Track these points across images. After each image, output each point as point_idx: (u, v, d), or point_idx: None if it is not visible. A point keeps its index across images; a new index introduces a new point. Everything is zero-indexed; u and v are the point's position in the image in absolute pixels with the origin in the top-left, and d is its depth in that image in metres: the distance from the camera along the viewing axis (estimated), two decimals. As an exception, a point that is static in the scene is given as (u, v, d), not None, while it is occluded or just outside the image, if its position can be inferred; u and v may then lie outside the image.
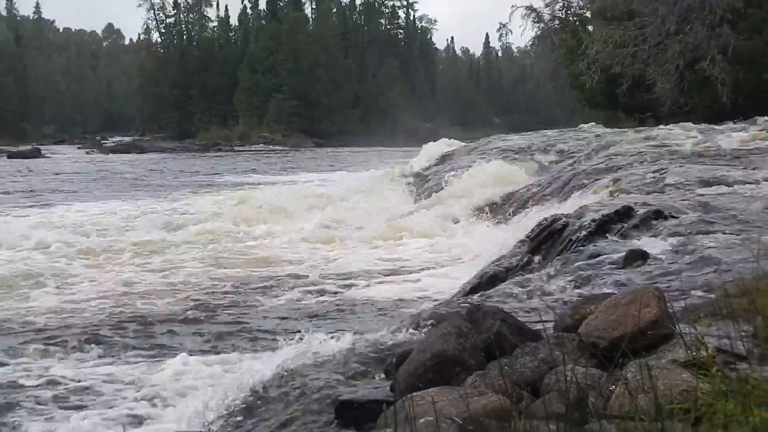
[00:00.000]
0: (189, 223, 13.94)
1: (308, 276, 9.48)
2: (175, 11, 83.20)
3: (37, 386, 5.34)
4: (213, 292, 8.60)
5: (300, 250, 11.45)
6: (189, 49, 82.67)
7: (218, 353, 6.06)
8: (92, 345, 6.31)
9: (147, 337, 6.66)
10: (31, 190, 24.01)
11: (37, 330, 6.91)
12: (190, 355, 5.94)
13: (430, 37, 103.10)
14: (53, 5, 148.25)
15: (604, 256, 5.69)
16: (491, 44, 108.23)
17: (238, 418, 3.69)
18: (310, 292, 8.62)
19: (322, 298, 8.29)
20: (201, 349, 6.23)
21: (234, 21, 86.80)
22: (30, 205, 19.19)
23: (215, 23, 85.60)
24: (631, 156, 13.06)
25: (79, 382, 5.40)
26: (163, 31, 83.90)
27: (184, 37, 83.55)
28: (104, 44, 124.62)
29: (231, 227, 13.44)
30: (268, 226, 13.60)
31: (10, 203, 19.67)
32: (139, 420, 4.58)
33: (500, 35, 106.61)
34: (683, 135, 16.21)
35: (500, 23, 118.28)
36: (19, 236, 12.40)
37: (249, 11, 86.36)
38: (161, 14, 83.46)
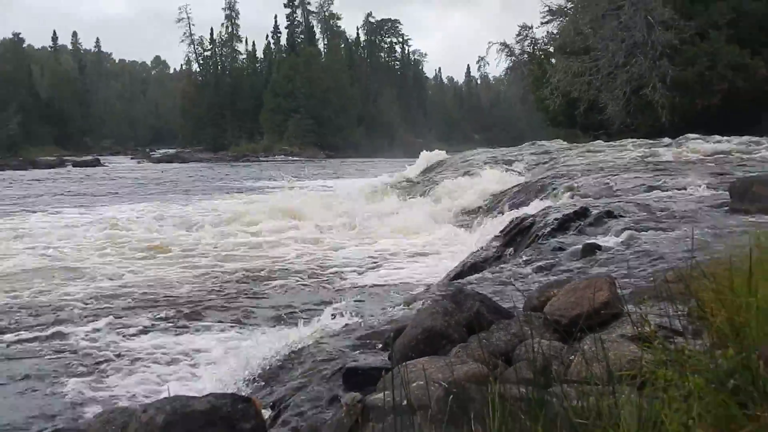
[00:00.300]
0: (208, 222, 13.34)
1: (313, 267, 9.21)
2: (211, 46, 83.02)
3: (78, 354, 5.25)
4: (229, 282, 8.34)
5: (304, 246, 11.09)
6: (222, 77, 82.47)
7: (241, 329, 5.97)
8: (128, 323, 6.16)
9: (176, 316, 6.47)
10: (84, 193, 23.85)
11: (72, 313, 6.69)
12: (217, 330, 5.88)
13: (422, 68, 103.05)
14: (111, 40, 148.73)
15: (565, 248, 5.67)
16: (472, 73, 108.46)
17: (262, 382, 3.68)
18: (315, 280, 8.42)
19: (326, 286, 8.12)
20: (225, 326, 6.11)
21: (260, 54, 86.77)
22: (79, 204, 18.94)
23: (244, 56, 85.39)
24: (586, 167, 13.06)
25: (120, 351, 5.27)
26: (201, 62, 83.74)
27: (219, 67, 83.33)
28: (152, 72, 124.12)
29: (244, 226, 12.96)
30: (276, 225, 13.05)
31: (64, 203, 19.47)
32: (177, 380, 4.54)
33: (479, 66, 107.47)
34: (628, 149, 16.17)
35: (479, 56, 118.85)
36: (57, 232, 12.14)
37: (272, 46, 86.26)
38: (200, 48, 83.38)
